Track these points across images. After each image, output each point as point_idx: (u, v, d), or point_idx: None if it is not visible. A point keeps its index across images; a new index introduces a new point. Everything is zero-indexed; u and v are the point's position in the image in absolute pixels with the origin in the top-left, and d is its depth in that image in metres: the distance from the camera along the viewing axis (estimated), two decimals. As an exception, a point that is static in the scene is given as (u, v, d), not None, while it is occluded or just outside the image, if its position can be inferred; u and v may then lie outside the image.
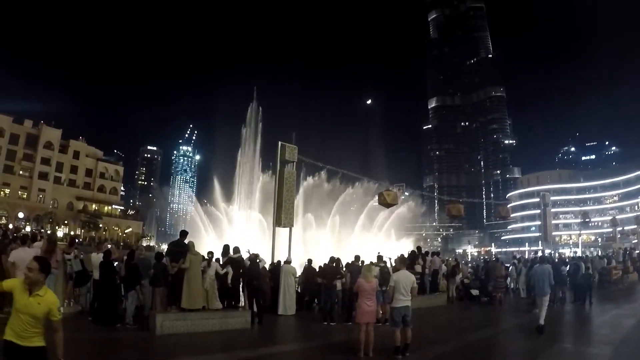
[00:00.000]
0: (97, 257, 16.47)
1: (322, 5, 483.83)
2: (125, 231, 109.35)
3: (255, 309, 17.08)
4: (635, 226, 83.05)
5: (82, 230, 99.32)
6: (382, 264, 18.84)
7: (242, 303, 17.52)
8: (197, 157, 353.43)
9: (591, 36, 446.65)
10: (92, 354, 11.67)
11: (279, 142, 26.38)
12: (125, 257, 17.18)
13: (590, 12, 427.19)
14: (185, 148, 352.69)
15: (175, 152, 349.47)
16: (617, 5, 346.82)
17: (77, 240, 42.07)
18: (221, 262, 17.20)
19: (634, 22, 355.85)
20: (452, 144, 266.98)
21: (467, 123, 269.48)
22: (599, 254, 47.58)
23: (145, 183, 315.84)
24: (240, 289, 17.66)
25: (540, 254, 43.05)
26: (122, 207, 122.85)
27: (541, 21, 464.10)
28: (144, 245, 61.25)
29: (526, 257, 52.27)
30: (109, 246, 22.80)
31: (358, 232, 59.72)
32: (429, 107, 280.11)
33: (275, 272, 20.30)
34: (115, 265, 16.34)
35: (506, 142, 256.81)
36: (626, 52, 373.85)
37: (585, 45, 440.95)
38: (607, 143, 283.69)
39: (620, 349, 13.16)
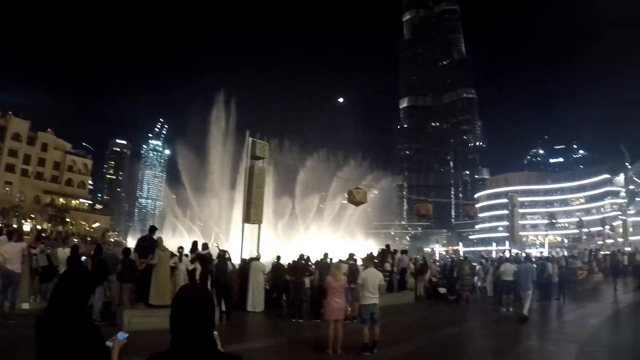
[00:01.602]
0: (63, 252, 16.29)
1: (298, 1, 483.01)
2: (93, 226, 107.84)
3: (223, 305, 17.04)
4: (601, 228, 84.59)
5: (49, 225, 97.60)
6: (352, 262, 18.92)
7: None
8: (167, 151, 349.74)
9: (562, 44, 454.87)
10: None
11: (250, 139, 26.23)
12: (92, 253, 16.99)
13: (562, 22, 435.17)
14: (155, 142, 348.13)
15: (144, 146, 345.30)
16: (589, 15, 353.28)
17: (43, 235, 41.44)
18: (189, 258, 17.13)
19: (604, 32, 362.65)
20: (422, 144, 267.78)
21: (437, 123, 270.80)
22: (565, 254, 48.40)
23: (114, 177, 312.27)
24: (209, 286, 17.60)
25: (508, 253, 43.57)
26: (90, 201, 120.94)
27: (514, 27, 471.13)
28: (112, 240, 60.66)
29: (493, 256, 52.84)
30: (75, 241, 22.55)
31: (327, 229, 59.91)
32: (401, 107, 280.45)
33: (244, 269, 20.26)
34: (82, 260, 16.13)
35: (476, 143, 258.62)
36: (595, 61, 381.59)
37: (556, 52, 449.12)
38: (575, 146, 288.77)
39: (585, 347, 13.35)
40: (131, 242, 57.04)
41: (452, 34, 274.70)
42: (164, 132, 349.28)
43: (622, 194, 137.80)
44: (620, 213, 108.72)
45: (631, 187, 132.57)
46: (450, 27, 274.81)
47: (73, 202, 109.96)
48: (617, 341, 15.18)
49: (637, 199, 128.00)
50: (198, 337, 2.79)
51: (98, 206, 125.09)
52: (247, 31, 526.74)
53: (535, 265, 21.75)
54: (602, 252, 49.72)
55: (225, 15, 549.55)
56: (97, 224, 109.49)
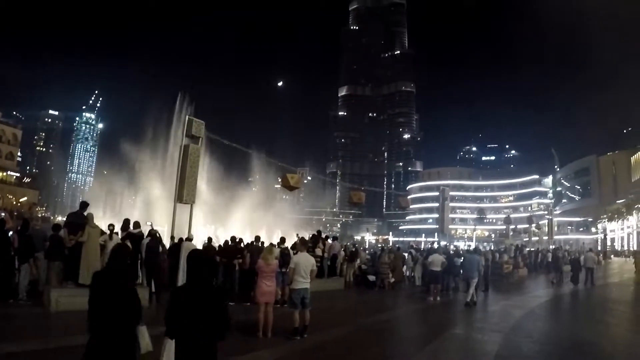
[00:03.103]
0: (-11, 228, 15.65)
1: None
2: (20, 200, 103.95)
3: (153, 286, 16.81)
4: (527, 225, 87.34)
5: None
6: (284, 246, 18.97)
7: (139, 280, 17.19)
8: (100, 125, 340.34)
9: (501, 48, 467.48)
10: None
11: (187, 116, 25.90)
12: (18, 228, 16.42)
13: (501, 27, 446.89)
14: (88, 115, 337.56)
15: (77, 118, 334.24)
16: (529, 20, 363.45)
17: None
18: (120, 237, 16.80)
19: (544, 36, 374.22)
20: (358, 133, 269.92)
21: (375, 114, 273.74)
22: (492, 248, 49.87)
23: (44, 150, 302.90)
24: (138, 266, 17.33)
25: (436, 245, 44.54)
26: (18, 174, 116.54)
27: (456, 26, 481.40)
28: (39, 216, 58.92)
29: (422, 247, 53.96)
30: (3, 214, 21.77)
31: (258, 213, 59.78)
32: (339, 95, 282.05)
33: (175, 250, 19.99)
34: (9, 235, 15.56)
35: (411, 136, 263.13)
36: (533, 66, 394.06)
37: (492, 55, 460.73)
38: (507, 146, 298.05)
39: (509, 336, 13.83)
40: (58, 219, 55.65)
41: (396, 27, 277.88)
42: (98, 104, 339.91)
43: (550, 194, 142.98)
44: (546, 212, 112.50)
45: (558, 188, 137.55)
46: (395, 20, 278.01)
47: (0, 174, 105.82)
48: (539, 331, 15.68)
49: (563, 200, 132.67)
50: (203, 277, 5.53)
51: (26, 179, 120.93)
52: (189, 10, 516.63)
53: (480, 257, 22.73)
54: (527, 249, 51.42)
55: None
56: (24, 198, 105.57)
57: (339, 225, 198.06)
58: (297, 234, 25.37)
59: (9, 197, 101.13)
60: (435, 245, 43.21)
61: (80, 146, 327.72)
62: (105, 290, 5.55)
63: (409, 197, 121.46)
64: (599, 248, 74.25)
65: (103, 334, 5.37)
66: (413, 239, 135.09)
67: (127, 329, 5.50)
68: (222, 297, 5.72)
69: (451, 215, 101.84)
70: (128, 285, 5.99)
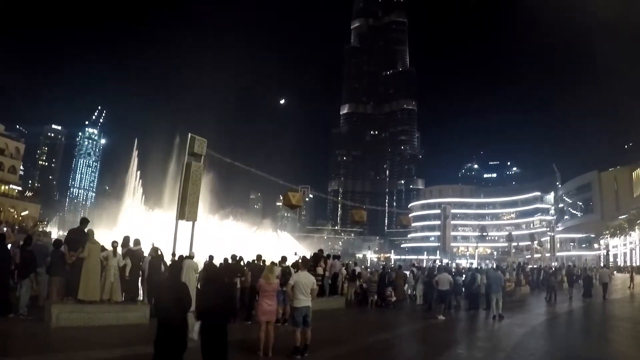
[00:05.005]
0: (-11, 240, 15.63)
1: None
2: (22, 214, 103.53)
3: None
4: (529, 243, 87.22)
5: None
6: (285, 265, 18.90)
7: (140, 297, 17.13)
8: (103, 140, 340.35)
9: (502, 66, 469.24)
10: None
11: (189, 134, 25.78)
12: (21, 242, 16.40)
13: (502, 45, 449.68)
14: (91, 130, 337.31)
15: (80, 133, 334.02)
16: (530, 37, 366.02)
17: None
18: (120, 253, 16.75)
19: (544, 55, 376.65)
20: (360, 151, 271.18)
21: (376, 132, 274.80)
22: (494, 266, 49.78)
23: (46, 164, 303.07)
24: (139, 283, 17.30)
25: (441, 263, 44.50)
26: (20, 188, 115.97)
27: (458, 45, 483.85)
28: (40, 230, 58.79)
29: (423, 265, 53.90)
30: (5, 229, 21.70)
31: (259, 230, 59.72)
32: (341, 113, 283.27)
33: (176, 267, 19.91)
34: (9, 250, 15.54)
35: (413, 154, 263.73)
36: (533, 83, 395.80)
37: (493, 72, 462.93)
38: (508, 163, 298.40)
39: (511, 355, 13.77)
40: (56, 234, 55.40)
41: (398, 46, 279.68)
42: (101, 120, 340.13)
43: (551, 211, 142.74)
44: (548, 229, 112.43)
45: (560, 205, 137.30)
46: (396, 38, 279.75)
47: (2, 187, 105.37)
48: (542, 349, 15.58)
49: (565, 216, 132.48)
50: (219, 279, 11.16)
51: (28, 193, 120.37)
52: (190, 22, 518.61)
53: (502, 274, 23.78)
54: (529, 266, 51.30)
55: (171, 8, 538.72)
56: (26, 212, 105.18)
57: (340, 243, 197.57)
58: (295, 253, 25.22)
59: (11, 210, 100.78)
60: (438, 264, 43.21)
61: (83, 161, 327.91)
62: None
63: (410, 215, 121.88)
64: (602, 264, 74.19)
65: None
66: (415, 257, 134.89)
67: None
68: (231, 293, 10.31)
69: (453, 233, 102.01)
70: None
